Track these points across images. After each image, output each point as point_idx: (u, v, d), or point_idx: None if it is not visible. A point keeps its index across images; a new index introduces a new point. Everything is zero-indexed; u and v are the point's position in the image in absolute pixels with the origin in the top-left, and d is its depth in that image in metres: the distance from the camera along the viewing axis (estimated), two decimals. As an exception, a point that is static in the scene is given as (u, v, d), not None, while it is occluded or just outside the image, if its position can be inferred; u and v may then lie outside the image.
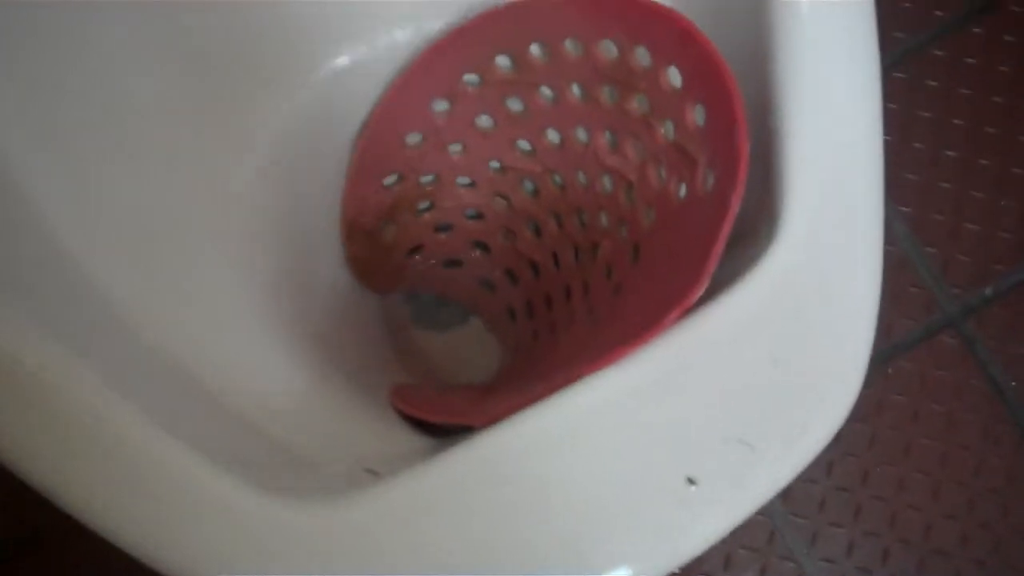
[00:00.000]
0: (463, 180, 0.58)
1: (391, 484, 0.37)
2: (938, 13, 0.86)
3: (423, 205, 0.59)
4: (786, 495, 0.80)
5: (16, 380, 0.36)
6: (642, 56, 0.45)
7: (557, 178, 0.54)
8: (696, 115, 0.43)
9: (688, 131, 0.43)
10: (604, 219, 0.51)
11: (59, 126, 0.45)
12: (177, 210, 0.49)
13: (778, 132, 0.41)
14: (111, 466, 0.36)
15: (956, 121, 0.85)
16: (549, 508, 0.37)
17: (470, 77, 0.53)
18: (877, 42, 0.42)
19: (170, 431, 0.37)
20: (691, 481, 0.37)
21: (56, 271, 0.42)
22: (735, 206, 0.38)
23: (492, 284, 0.61)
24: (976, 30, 0.86)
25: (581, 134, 0.51)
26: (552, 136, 0.53)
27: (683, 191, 0.44)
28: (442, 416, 0.46)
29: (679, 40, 0.42)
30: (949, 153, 0.85)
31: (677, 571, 0.77)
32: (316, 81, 0.54)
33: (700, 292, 0.38)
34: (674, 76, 0.44)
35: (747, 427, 0.38)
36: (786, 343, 0.39)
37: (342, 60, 0.54)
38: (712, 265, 0.38)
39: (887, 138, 0.83)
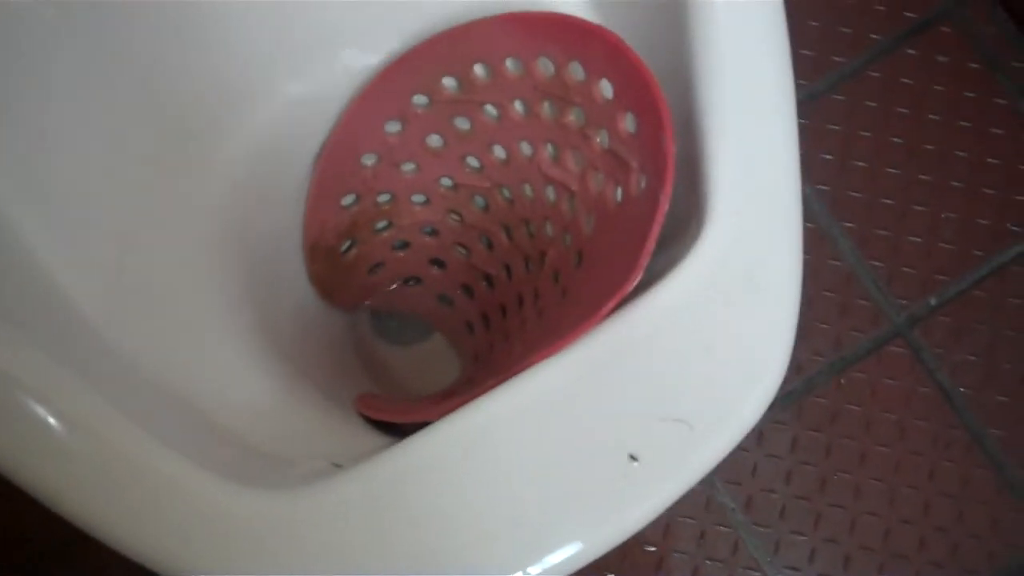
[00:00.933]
0: (418, 198, 0.60)
1: (353, 472, 0.39)
2: (874, 36, 0.89)
3: (381, 224, 0.61)
4: (747, 505, 0.81)
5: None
6: (576, 71, 0.48)
7: (505, 192, 0.56)
8: (627, 123, 0.46)
9: (621, 138, 0.46)
10: (549, 228, 0.53)
11: (32, 155, 0.47)
12: (148, 232, 0.51)
13: (702, 135, 0.43)
14: (86, 463, 0.37)
15: (895, 139, 0.88)
16: (501, 487, 0.38)
17: (419, 98, 0.55)
18: (789, 46, 0.44)
19: (143, 427, 0.38)
20: (633, 458, 0.39)
21: (31, 286, 0.44)
22: (664, 203, 0.41)
23: (451, 300, 0.63)
24: (911, 51, 0.89)
25: (525, 148, 0.54)
26: (498, 152, 0.55)
27: (619, 195, 0.47)
28: (402, 416, 0.48)
29: (609, 54, 0.45)
30: (890, 170, 0.87)
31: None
32: (275, 108, 0.56)
33: (635, 281, 0.40)
34: (606, 88, 0.47)
35: (683, 407, 0.40)
36: (716, 328, 0.41)
37: (298, 87, 0.56)
38: (646, 257, 0.40)
39: (828, 157, 0.86)
